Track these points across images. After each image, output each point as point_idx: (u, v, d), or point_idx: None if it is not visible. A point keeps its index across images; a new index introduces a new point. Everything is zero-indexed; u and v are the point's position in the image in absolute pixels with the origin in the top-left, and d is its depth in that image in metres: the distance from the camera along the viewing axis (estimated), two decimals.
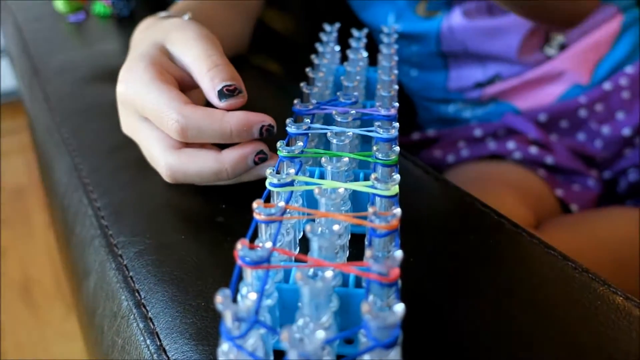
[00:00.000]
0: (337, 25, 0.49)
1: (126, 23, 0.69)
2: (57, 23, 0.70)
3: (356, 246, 0.30)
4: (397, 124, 0.34)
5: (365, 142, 0.39)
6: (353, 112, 0.35)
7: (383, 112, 0.35)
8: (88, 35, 0.68)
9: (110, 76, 0.57)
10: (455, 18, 0.60)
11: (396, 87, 0.39)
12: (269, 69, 0.73)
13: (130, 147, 0.43)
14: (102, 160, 0.42)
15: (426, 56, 0.64)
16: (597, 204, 0.60)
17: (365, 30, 0.47)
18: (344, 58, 0.45)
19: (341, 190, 0.27)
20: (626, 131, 0.60)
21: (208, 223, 0.34)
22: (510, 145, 0.59)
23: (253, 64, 0.71)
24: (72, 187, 0.41)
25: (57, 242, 0.50)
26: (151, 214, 0.36)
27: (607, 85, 0.60)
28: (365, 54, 0.45)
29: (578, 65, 0.60)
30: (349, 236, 0.30)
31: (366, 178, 0.33)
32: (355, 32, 0.47)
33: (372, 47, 0.49)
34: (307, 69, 0.42)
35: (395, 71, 0.41)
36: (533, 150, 0.59)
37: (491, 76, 0.62)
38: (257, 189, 0.30)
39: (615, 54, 0.60)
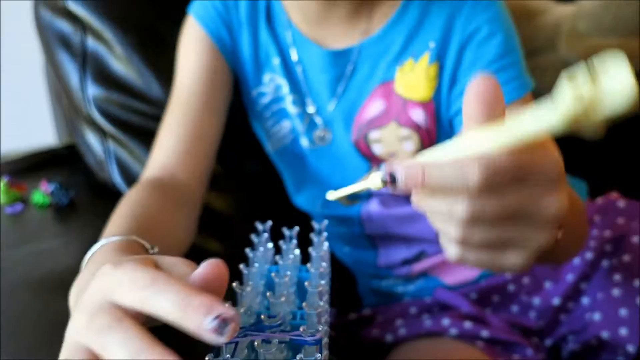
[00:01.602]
0: (269, 223, 0.51)
1: (65, 212, 0.70)
2: None
3: None
4: (326, 328, 0.33)
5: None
6: (276, 341, 0.35)
7: (309, 338, 0.35)
8: (25, 228, 0.67)
9: (43, 283, 0.56)
10: (373, 206, 0.64)
11: (322, 302, 0.39)
12: (209, 248, 0.74)
13: None
14: None
15: (354, 237, 0.67)
16: None
17: (296, 229, 0.49)
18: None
19: None
20: (556, 301, 0.62)
21: None
22: (445, 321, 0.60)
23: (194, 244, 0.72)
24: None
25: None
26: None
27: None
28: (296, 252, 0.46)
29: None
30: None
31: None
32: (286, 231, 0.49)
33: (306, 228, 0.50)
34: (234, 283, 0.42)
35: (323, 281, 0.42)
36: (468, 325, 0.60)
37: (417, 253, 0.65)
38: None
39: None
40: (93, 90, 0.74)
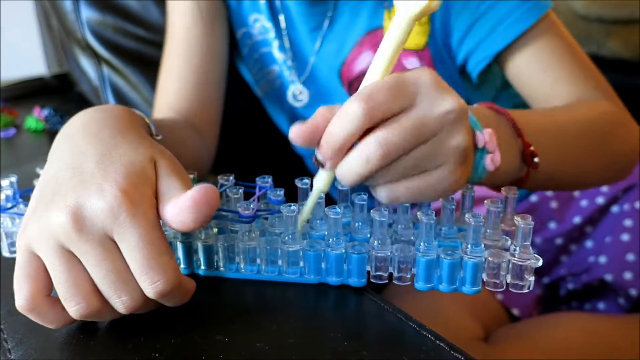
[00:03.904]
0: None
1: None
2: None
3: None
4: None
5: None
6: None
7: (245, 212, 0.34)
8: (20, 151, 0.65)
9: None
10: None
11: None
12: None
13: None
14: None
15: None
16: (539, 304, 0.61)
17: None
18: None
19: None
20: (558, 240, 0.61)
21: None
22: None
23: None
24: None
25: None
26: None
27: (534, 198, 0.62)
28: None
29: None
30: None
31: None
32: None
33: None
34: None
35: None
36: None
37: None
38: None
39: None
40: (87, 12, 0.71)
